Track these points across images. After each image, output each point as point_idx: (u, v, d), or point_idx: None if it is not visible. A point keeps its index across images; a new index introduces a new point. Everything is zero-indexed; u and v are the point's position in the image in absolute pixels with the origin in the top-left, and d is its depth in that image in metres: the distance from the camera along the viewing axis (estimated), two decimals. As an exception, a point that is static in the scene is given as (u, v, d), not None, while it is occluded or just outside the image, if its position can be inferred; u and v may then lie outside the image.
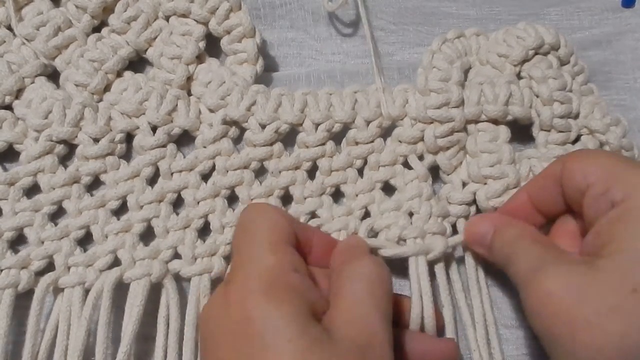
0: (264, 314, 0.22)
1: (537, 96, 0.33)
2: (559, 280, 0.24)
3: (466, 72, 0.34)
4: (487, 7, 0.39)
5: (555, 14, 0.40)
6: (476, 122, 0.33)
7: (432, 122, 0.32)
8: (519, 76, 0.34)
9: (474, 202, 0.32)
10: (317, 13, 0.38)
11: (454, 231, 0.32)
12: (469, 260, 0.32)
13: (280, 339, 0.22)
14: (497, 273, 0.32)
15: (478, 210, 0.33)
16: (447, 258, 0.32)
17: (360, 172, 0.33)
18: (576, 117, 0.34)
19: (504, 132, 0.33)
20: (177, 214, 0.31)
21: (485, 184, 0.32)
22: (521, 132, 0.34)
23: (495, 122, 0.33)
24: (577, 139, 0.34)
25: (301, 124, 0.32)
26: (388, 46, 0.38)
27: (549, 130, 0.33)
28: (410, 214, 0.32)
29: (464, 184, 0.33)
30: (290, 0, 0.38)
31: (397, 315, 0.28)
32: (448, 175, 0.33)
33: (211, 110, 0.33)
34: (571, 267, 0.24)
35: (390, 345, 0.24)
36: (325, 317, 0.24)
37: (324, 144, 0.32)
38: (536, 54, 0.34)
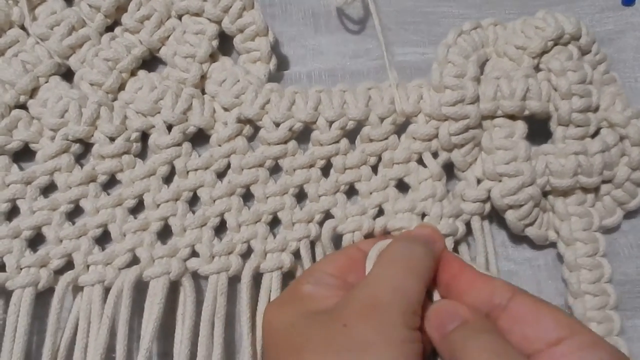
0: None
1: (556, 89, 0.32)
2: None
3: (483, 63, 0.34)
4: (487, 7, 0.38)
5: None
6: (492, 117, 0.32)
7: (446, 119, 0.32)
8: (537, 68, 0.33)
9: (489, 199, 0.32)
10: (317, 12, 0.38)
11: (469, 229, 0.32)
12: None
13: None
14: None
15: (493, 208, 0.32)
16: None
17: (375, 169, 0.33)
18: (596, 110, 0.33)
19: (520, 127, 0.32)
20: (194, 212, 0.32)
21: (500, 181, 0.31)
22: (538, 126, 0.34)
23: (511, 117, 0.32)
24: (596, 133, 0.33)
25: (315, 122, 0.32)
26: (388, 45, 0.37)
27: (567, 125, 0.33)
28: (423, 215, 0.32)
29: (479, 181, 0.32)
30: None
31: None
32: (463, 172, 0.33)
33: (225, 109, 0.33)
34: None
35: None
36: None
37: (337, 141, 0.32)
38: (555, 44, 0.33)
